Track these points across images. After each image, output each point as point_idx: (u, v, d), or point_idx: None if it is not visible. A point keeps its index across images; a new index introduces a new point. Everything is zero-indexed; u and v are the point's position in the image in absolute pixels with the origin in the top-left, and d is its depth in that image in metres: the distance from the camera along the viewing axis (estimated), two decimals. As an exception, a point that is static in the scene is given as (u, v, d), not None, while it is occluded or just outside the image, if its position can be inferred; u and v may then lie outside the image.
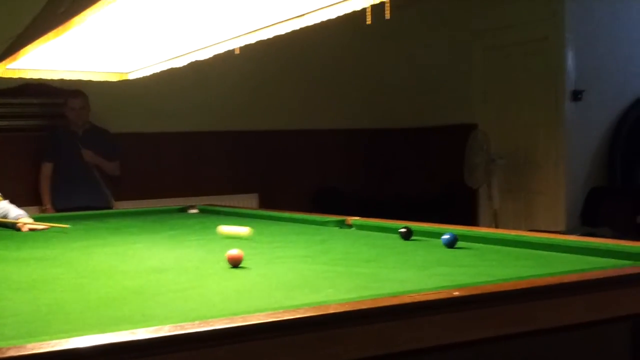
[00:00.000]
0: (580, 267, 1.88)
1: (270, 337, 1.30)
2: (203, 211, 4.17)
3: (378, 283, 1.82)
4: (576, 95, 6.29)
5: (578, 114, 6.33)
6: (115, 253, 2.62)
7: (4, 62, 2.94)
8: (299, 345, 1.32)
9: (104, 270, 2.22)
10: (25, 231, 3.34)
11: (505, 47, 6.77)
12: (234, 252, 2.12)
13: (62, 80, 3.67)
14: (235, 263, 2.10)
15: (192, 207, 4.23)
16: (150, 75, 3.52)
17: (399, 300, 1.45)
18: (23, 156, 5.82)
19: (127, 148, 5.95)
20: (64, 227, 3.36)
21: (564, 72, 6.29)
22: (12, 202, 3.61)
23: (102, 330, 1.25)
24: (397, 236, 2.68)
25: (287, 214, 3.63)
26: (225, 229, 2.89)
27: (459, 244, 2.42)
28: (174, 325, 1.27)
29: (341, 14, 2.17)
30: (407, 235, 2.65)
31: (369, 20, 2.05)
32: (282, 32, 2.47)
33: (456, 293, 1.50)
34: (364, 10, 2.07)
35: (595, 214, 6.31)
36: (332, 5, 2.18)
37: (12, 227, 3.43)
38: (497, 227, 6.14)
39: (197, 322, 1.28)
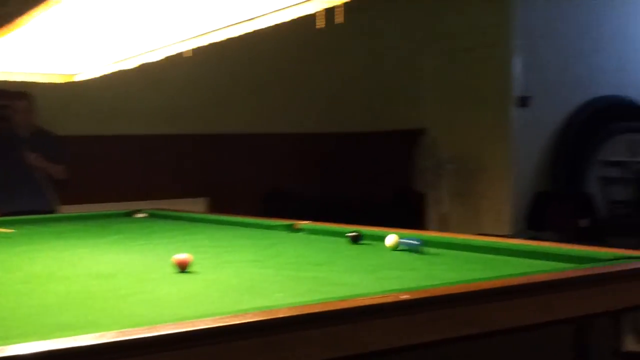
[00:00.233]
0: (525, 271, 1.90)
1: (218, 342, 1.28)
2: (153, 216, 4.11)
3: (327, 287, 1.82)
4: (524, 101, 6.41)
5: (525, 120, 6.46)
6: (60, 258, 2.56)
7: (-56, 62, 2.86)
8: (248, 350, 1.31)
9: (48, 276, 2.17)
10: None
11: (455, 52, 6.86)
12: (182, 256, 2.10)
13: (5, 82, 3.58)
14: (182, 267, 2.08)
15: (139, 211, 4.17)
16: (99, 77, 3.46)
17: (349, 304, 1.45)
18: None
19: (74, 151, 5.83)
20: (9, 232, 3.28)
21: (512, 78, 6.41)
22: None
23: (44, 337, 1.21)
24: (346, 240, 2.68)
25: (236, 218, 3.61)
26: None
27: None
28: (119, 331, 1.24)
29: (293, 17, 2.17)
30: (357, 239, 2.66)
31: (321, 24, 2.04)
32: (234, 35, 2.46)
33: (405, 296, 1.51)
34: (314, 14, 2.07)
35: (540, 218, 6.44)
36: (283, 8, 2.18)
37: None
38: (445, 231, 6.21)
39: (142, 327, 1.26)
